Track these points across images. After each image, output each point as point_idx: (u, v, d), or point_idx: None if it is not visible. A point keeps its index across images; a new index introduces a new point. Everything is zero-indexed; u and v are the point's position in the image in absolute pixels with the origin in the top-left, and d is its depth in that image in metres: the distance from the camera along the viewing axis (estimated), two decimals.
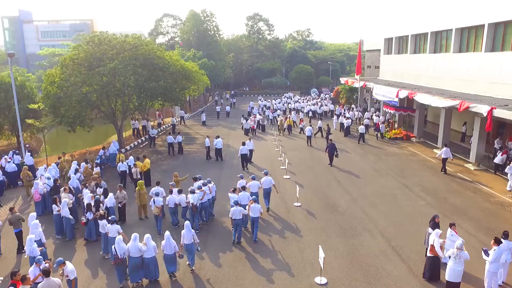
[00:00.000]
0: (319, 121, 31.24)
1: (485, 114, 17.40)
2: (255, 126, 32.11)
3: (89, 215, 12.58)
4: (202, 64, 49.39)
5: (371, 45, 42.66)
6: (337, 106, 43.21)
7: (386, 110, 31.13)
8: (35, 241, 10.53)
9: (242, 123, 33.26)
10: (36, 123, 22.51)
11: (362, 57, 37.72)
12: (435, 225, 10.58)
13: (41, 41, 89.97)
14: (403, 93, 25.96)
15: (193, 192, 13.39)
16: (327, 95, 59.42)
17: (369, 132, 30.22)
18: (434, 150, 24.69)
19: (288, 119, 31.39)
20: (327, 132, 27.25)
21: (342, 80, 43.92)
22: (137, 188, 14.64)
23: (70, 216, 12.94)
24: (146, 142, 29.10)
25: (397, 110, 29.50)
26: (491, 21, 21.84)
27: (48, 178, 15.49)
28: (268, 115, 38.46)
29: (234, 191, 13.90)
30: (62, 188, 14.21)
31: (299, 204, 15.68)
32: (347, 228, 13.53)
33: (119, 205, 14.13)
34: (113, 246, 10.17)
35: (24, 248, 10.68)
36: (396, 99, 27.30)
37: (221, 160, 23.18)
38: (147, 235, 10.25)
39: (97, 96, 23.12)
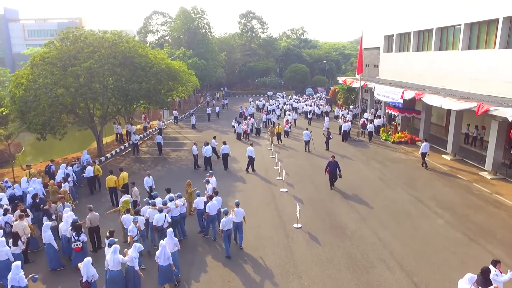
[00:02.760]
0: (346, 123, 28.12)
1: (510, 119, 15.29)
2: (249, 130, 29.76)
3: (83, 238, 10.88)
4: (193, 64, 46.94)
5: (369, 43, 40.59)
6: (335, 107, 41.02)
7: (389, 112, 29.00)
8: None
9: (234, 126, 30.90)
10: (0, 131, 19.99)
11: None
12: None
13: (27, 40, 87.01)
14: (409, 94, 23.84)
15: (161, 210, 11.61)
16: (323, 95, 57.27)
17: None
18: (443, 156, 22.71)
19: (278, 126, 27.85)
20: (327, 137, 25.02)
21: (340, 79, 41.72)
22: (120, 208, 12.56)
23: (55, 243, 10.99)
24: (130, 149, 26.63)
25: (401, 112, 27.41)
26: (507, 14, 19.84)
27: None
28: (262, 118, 36.23)
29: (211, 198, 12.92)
30: (18, 215, 11.67)
31: (299, 225, 13.44)
32: (358, 257, 11.33)
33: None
34: (80, 267, 9.03)
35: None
36: (401, 100, 25.18)
37: (211, 169, 20.87)
38: (136, 244, 9.67)
39: (71, 100, 20.56)
